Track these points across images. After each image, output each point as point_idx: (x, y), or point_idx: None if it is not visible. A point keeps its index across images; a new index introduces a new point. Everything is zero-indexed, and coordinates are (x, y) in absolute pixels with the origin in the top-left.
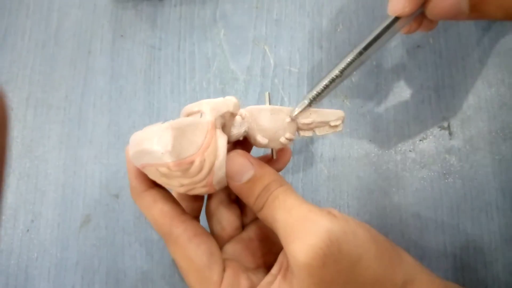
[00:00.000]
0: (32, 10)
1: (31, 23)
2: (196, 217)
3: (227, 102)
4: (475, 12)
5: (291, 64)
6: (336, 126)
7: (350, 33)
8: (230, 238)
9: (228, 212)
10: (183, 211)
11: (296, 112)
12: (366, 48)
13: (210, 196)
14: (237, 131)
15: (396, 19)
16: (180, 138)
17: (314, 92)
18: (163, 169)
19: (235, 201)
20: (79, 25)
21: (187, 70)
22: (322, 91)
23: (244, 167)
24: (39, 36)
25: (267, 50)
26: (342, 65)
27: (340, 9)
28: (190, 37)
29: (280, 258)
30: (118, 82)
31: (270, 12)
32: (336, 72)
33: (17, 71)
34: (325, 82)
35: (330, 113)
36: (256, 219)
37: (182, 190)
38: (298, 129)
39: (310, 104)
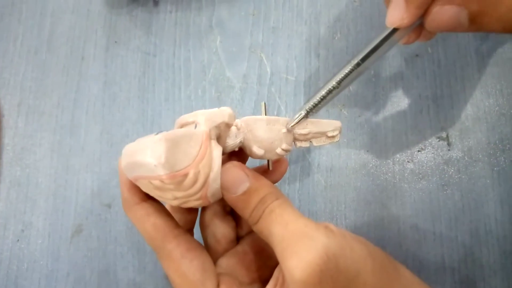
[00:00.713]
0: (25, 16)
1: (23, 28)
2: (190, 230)
3: (223, 113)
4: (474, 24)
5: (288, 72)
6: (333, 136)
7: (348, 41)
8: (225, 251)
9: (223, 225)
10: (176, 225)
11: (293, 123)
12: (364, 59)
13: (204, 208)
14: (233, 142)
15: (394, 30)
16: (173, 149)
17: (311, 103)
18: (156, 182)
19: (230, 213)
20: (72, 31)
21: (182, 78)
22: (319, 102)
23: (239, 179)
24: (31, 42)
25: (263, 58)
26: (340, 76)
27: (338, 17)
28: (186, 44)
29: (276, 273)
30: (112, 89)
31: (267, 20)
32: (333, 83)
33: (8, 77)
34: (322, 93)
35: (327, 124)
36: (251, 232)
37: (175, 203)
38: (295, 139)
39: (307, 115)
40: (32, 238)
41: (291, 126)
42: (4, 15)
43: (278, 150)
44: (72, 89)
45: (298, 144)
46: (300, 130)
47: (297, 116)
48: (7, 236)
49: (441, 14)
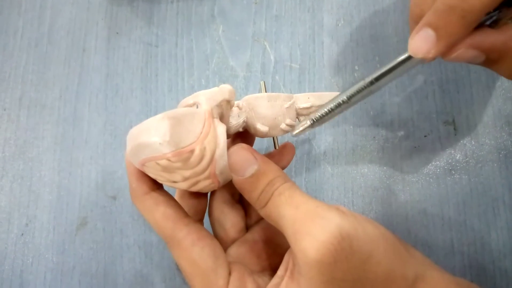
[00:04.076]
0: (25, 8)
1: (24, 21)
2: (200, 221)
3: (222, 90)
4: (488, 66)
5: (292, 60)
6: None
7: (352, 28)
8: (234, 240)
9: (232, 213)
10: (185, 214)
11: (297, 131)
12: (377, 78)
13: (213, 197)
14: (236, 122)
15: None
16: (177, 127)
17: (318, 114)
18: (163, 162)
19: (239, 201)
20: (73, 23)
21: (185, 68)
22: (327, 114)
23: (248, 161)
24: (31, 35)
25: (267, 46)
26: (351, 91)
27: (341, 3)
28: (188, 34)
29: (286, 258)
30: (114, 80)
31: (270, 8)
32: (343, 97)
33: (9, 71)
34: (331, 105)
35: (329, 96)
36: (260, 220)
37: (185, 185)
38: (298, 114)
39: (312, 126)
40: (36, 232)
41: (295, 134)
42: (3, 8)
43: (283, 126)
44: (74, 81)
45: (302, 119)
46: (303, 104)
47: (302, 124)
48: (11, 230)
49: (464, 54)
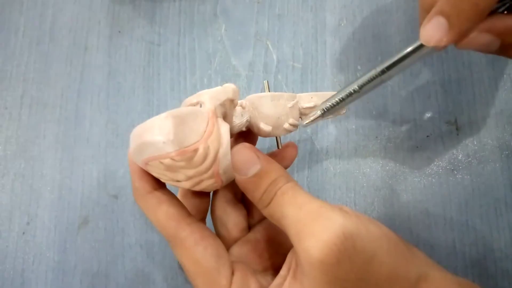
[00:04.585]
0: (26, 6)
1: (25, 19)
2: (202, 220)
3: (226, 89)
4: (504, 53)
5: (295, 59)
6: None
7: (354, 28)
8: (237, 239)
9: (235, 213)
10: (188, 213)
11: (307, 121)
12: (389, 67)
13: (215, 196)
14: (239, 121)
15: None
16: (181, 126)
17: (329, 104)
18: (167, 161)
19: (241, 201)
20: (75, 21)
21: (188, 67)
22: (337, 103)
23: (250, 160)
24: (33, 33)
25: (269, 45)
26: (362, 80)
27: (343, 3)
28: (190, 33)
29: (289, 258)
30: (116, 79)
31: (272, 7)
32: (354, 86)
33: (10, 69)
34: (341, 95)
35: (331, 95)
36: (262, 219)
37: (188, 184)
38: (301, 114)
39: (322, 116)
40: (38, 231)
41: (305, 124)
42: (5, 6)
43: (286, 125)
44: (75, 80)
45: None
46: (306, 104)
47: (312, 114)
48: (12, 229)
49: (477, 39)
